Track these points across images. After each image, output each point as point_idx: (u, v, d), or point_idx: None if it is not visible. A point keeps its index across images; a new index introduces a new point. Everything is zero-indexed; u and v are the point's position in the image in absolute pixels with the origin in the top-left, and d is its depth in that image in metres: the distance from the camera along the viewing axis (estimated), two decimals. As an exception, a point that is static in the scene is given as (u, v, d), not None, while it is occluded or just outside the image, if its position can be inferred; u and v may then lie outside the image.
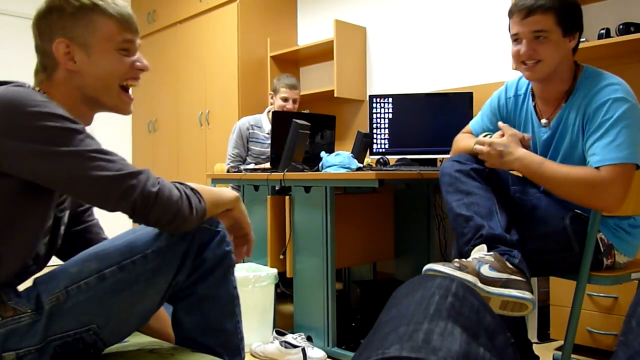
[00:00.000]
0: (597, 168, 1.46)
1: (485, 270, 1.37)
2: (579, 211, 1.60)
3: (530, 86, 1.71)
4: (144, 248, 1.05)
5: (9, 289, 1.03)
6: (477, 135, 1.73)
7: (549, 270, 1.59)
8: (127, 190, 0.95)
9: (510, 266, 1.40)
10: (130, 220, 1.02)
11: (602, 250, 1.57)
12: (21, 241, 1.02)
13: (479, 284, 1.35)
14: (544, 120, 1.66)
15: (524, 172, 1.57)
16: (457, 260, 1.40)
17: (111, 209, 0.98)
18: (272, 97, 3.34)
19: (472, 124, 1.88)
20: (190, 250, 1.09)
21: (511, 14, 1.59)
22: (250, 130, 3.24)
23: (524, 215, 1.61)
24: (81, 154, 0.94)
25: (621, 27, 2.39)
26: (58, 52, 1.03)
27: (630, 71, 2.49)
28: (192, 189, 1.07)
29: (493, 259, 1.39)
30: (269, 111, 3.33)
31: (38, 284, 1.03)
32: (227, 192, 1.19)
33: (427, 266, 1.38)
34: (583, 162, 1.55)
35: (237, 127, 3.27)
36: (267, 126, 3.25)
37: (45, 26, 1.04)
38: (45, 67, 1.06)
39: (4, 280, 1.01)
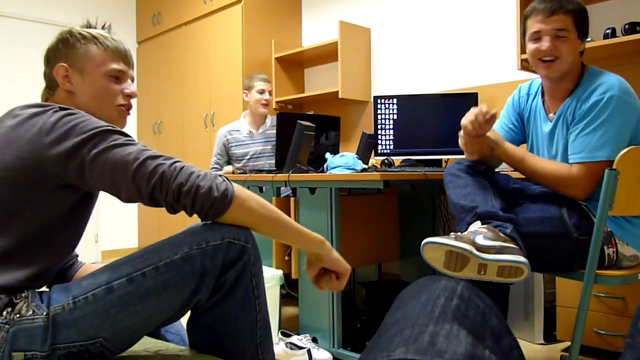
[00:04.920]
0: (570, 164, 1.64)
1: (479, 240, 1.45)
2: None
3: (540, 87, 1.85)
4: (156, 260, 1.02)
5: (35, 290, 1.05)
6: (499, 130, 1.92)
7: (553, 259, 1.61)
8: (157, 166, 1.02)
9: (503, 235, 1.48)
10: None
11: (602, 238, 1.59)
12: (66, 246, 1.14)
13: (475, 252, 1.43)
14: (551, 115, 1.78)
15: (510, 161, 1.76)
16: (453, 233, 1.49)
17: (145, 187, 1.01)
18: (246, 96, 3.40)
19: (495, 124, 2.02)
20: (210, 267, 1.03)
21: (530, 14, 1.70)
22: (229, 136, 3.34)
23: (524, 204, 1.73)
24: (122, 143, 1.04)
25: (627, 26, 2.39)
26: (58, 75, 1.18)
27: (635, 71, 2.48)
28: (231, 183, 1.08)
29: (486, 230, 1.49)
30: (245, 115, 3.44)
31: (52, 292, 1.03)
32: (313, 237, 1.19)
33: (425, 240, 1.47)
34: None
35: (216, 137, 3.39)
36: (245, 128, 3.37)
37: (52, 54, 1.21)
38: (49, 88, 1.22)
39: (41, 282, 1.09)
